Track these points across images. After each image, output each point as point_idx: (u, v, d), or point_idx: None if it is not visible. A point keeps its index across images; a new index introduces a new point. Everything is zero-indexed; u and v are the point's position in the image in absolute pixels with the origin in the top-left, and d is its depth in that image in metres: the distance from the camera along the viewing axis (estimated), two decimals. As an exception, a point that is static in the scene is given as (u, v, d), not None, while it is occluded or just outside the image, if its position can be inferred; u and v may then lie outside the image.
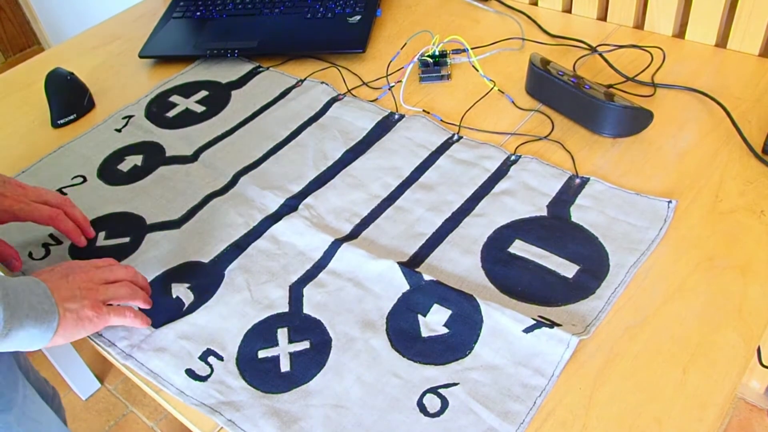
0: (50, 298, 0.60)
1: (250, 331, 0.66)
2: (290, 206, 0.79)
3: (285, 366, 0.63)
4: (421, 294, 0.67)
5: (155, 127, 0.95)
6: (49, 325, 0.59)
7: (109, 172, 0.89)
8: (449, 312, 0.65)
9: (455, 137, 0.85)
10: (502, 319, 0.63)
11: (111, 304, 0.65)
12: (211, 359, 0.64)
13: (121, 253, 0.77)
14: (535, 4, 1.09)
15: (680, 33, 0.98)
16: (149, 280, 0.72)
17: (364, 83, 0.98)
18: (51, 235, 0.80)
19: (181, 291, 0.71)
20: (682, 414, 0.55)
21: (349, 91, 0.96)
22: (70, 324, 0.61)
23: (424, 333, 0.64)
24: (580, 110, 0.83)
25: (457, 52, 0.99)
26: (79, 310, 0.62)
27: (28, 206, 0.74)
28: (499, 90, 0.92)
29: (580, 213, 0.73)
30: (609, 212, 0.73)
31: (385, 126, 0.89)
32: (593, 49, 0.96)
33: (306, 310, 0.67)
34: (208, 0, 1.17)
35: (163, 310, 0.69)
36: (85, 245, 0.77)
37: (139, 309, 0.68)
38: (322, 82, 0.98)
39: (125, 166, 0.89)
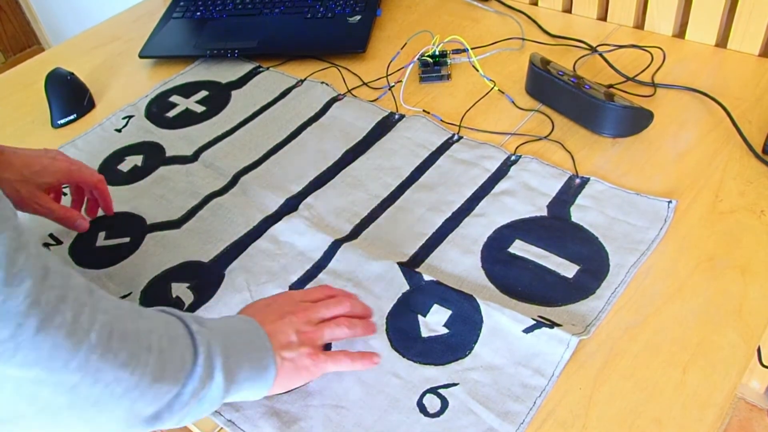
0: (269, 349, 0.55)
1: (250, 331, 0.66)
2: (290, 206, 0.79)
3: (285, 366, 0.63)
4: (421, 294, 0.67)
5: (155, 127, 0.95)
6: (267, 381, 0.55)
7: (110, 172, 0.89)
8: (449, 312, 0.65)
9: (455, 137, 0.85)
10: (502, 320, 0.63)
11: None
12: (211, 359, 0.64)
13: (121, 254, 0.77)
14: (535, 4, 1.09)
15: (680, 33, 0.98)
16: (149, 280, 0.72)
17: (364, 83, 0.98)
18: (51, 235, 0.80)
19: (181, 291, 0.71)
20: (682, 414, 0.55)
21: (349, 91, 0.96)
22: (286, 374, 0.56)
23: (424, 333, 0.64)
24: (580, 110, 0.83)
25: (457, 52, 0.99)
26: (297, 359, 0.56)
27: (79, 168, 0.76)
28: (499, 90, 0.92)
29: (580, 213, 0.73)
30: (609, 212, 0.73)
31: (385, 126, 0.89)
32: (593, 49, 0.96)
33: (306, 310, 0.67)
34: (208, 0, 1.17)
35: (163, 310, 0.69)
36: (87, 229, 0.77)
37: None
38: (322, 82, 0.98)
39: (125, 166, 0.89)
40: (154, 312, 0.50)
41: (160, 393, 0.45)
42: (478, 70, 0.95)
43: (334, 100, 0.95)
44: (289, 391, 0.60)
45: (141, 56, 1.09)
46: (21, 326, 0.35)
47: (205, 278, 0.72)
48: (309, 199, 0.79)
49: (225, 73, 1.04)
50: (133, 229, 0.80)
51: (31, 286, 0.36)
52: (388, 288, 0.68)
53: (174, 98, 1.01)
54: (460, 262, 0.70)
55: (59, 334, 0.37)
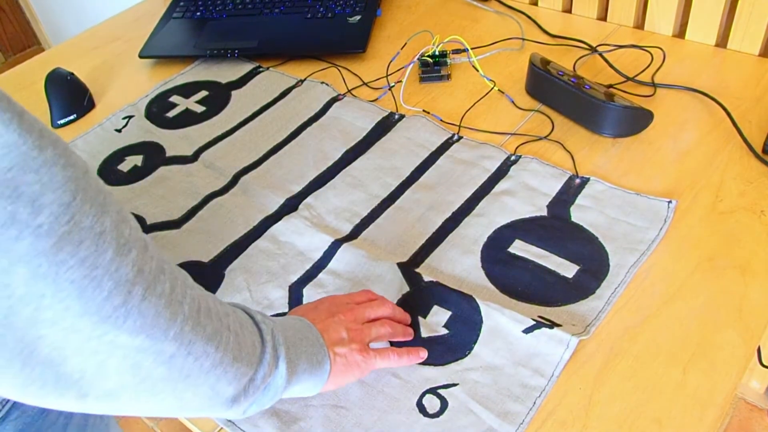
0: (322, 345, 0.56)
1: (249, 331, 0.66)
2: (290, 206, 0.79)
3: (285, 366, 0.63)
4: (420, 295, 0.67)
5: (155, 127, 0.95)
6: (323, 375, 0.56)
7: (110, 172, 0.89)
8: (449, 313, 0.65)
9: (455, 137, 0.85)
10: (502, 320, 0.63)
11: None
12: (211, 359, 0.64)
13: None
14: (535, 4, 1.09)
15: (680, 33, 0.97)
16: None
17: (364, 83, 0.98)
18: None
19: (181, 291, 0.71)
20: (682, 414, 0.55)
21: (349, 91, 0.96)
22: (340, 370, 0.57)
23: (424, 334, 0.64)
24: (580, 110, 0.83)
25: (457, 52, 0.99)
26: (348, 354, 0.58)
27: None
28: (499, 90, 0.92)
29: (580, 213, 0.73)
30: (609, 212, 0.73)
31: (385, 126, 0.89)
32: (593, 49, 0.96)
33: (306, 311, 0.67)
34: (208, 0, 1.17)
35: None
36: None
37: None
38: (322, 82, 0.98)
39: (125, 166, 0.89)
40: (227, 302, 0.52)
41: (238, 373, 0.46)
42: (478, 70, 0.95)
43: (334, 100, 0.95)
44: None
45: (141, 56, 1.09)
46: (130, 293, 0.37)
47: (205, 278, 0.72)
48: (309, 199, 0.79)
49: (225, 73, 1.04)
50: (133, 229, 0.80)
51: (136, 255, 0.38)
52: (387, 289, 0.68)
53: (174, 98, 1.01)
54: (460, 262, 0.70)
55: (160, 303, 0.39)
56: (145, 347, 0.38)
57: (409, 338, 0.63)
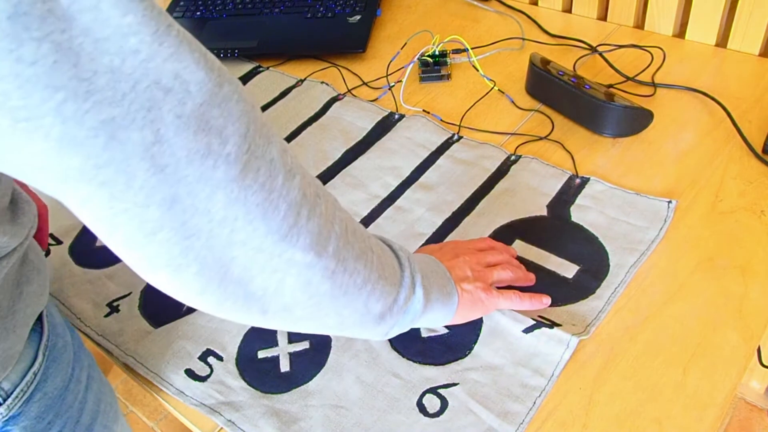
0: (450, 279, 0.59)
1: (249, 331, 0.66)
2: (290, 206, 0.79)
3: (285, 366, 0.63)
4: (420, 294, 0.66)
5: (155, 127, 0.95)
6: (452, 307, 0.58)
7: (109, 172, 0.89)
8: (449, 312, 0.65)
9: (455, 137, 0.85)
10: (502, 320, 0.63)
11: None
12: (211, 359, 0.64)
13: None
14: (535, 4, 1.09)
15: (680, 33, 0.98)
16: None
17: (364, 83, 0.98)
18: (51, 235, 0.80)
19: (181, 291, 0.71)
20: (682, 414, 0.55)
21: (349, 91, 0.96)
22: (467, 305, 0.60)
23: (424, 333, 0.64)
24: (580, 110, 0.83)
25: (457, 52, 0.99)
26: (473, 291, 0.60)
27: None
28: (499, 90, 0.92)
29: (580, 213, 0.73)
30: (609, 212, 0.73)
31: (385, 126, 0.89)
32: (593, 49, 0.96)
33: (306, 310, 0.67)
34: (208, 0, 1.17)
35: (164, 312, 0.69)
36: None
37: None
38: (322, 82, 0.98)
39: (125, 166, 0.89)
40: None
41: (385, 291, 0.49)
42: (478, 70, 0.95)
43: (334, 99, 0.95)
44: (288, 391, 0.61)
45: (141, 56, 1.09)
46: (299, 214, 0.41)
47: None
48: (309, 199, 0.79)
49: (225, 73, 1.04)
50: (133, 229, 0.79)
51: (300, 180, 0.41)
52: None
53: (174, 98, 1.00)
54: (460, 262, 0.70)
55: (321, 222, 0.43)
56: (313, 264, 0.42)
57: (531, 283, 0.66)
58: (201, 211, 0.36)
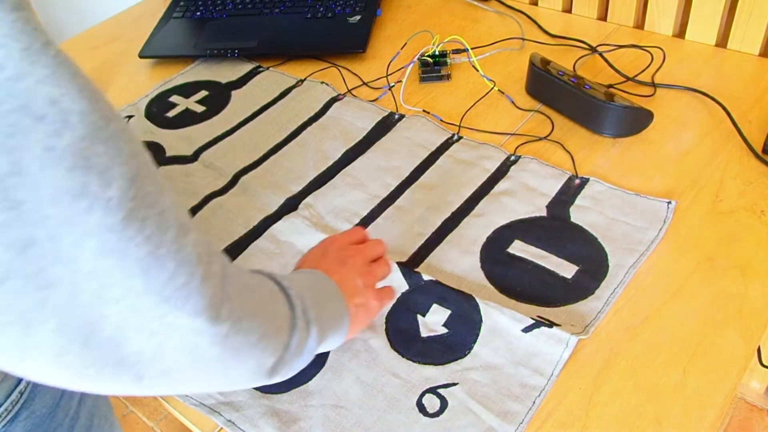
0: (342, 300, 0.56)
1: (249, 331, 0.66)
2: (290, 206, 0.79)
3: (284, 366, 0.63)
4: (420, 294, 0.67)
5: (155, 127, 0.95)
6: (344, 330, 0.56)
7: (109, 172, 0.89)
8: (448, 312, 0.65)
9: (455, 137, 0.85)
10: (501, 319, 0.63)
11: None
12: (211, 359, 0.64)
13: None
14: (535, 4, 1.09)
15: (680, 33, 0.97)
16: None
17: (364, 83, 0.98)
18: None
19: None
20: (682, 414, 0.55)
21: (349, 91, 0.96)
22: (360, 320, 0.58)
23: (424, 333, 0.64)
24: (580, 110, 0.83)
25: (457, 52, 0.99)
26: (366, 303, 0.58)
27: None
28: (499, 90, 0.92)
29: (580, 213, 0.73)
30: (608, 213, 0.72)
31: (385, 126, 0.89)
32: (593, 49, 0.96)
33: (305, 310, 0.67)
34: (208, 0, 1.17)
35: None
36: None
37: None
38: (322, 82, 0.98)
39: (125, 166, 0.89)
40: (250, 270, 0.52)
41: (277, 343, 0.46)
42: (478, 70, 0.95)
43: (334, 100, 0.95)
44: (288, 391, 0.61)
45: (141, 56, 1.09)
46: (192, 275, 0.36)
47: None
48: (309, 199, 0.79)
49: (225, 73, 1.04)
50: (133, 229, 0.79)
51: (195, 237, 0.37)
52: (387, 288, 0.68)
53: (174, 98, 1.01)
54: (459, 262, 0.70)
55: (216, 284, 0.38)
56: (203, 330, 0.38)
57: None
58: (64, 259, 0.32)
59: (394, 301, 0.65)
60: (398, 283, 0.68)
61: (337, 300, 0.55)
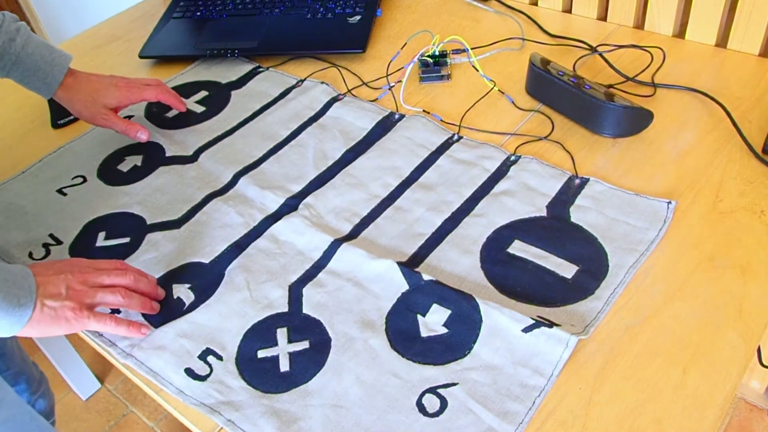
0: (32, 292, 0.61)
1: (249, 330, 0.66)
2: (290, 206, 0.79)
3: (284, 366, 0.63)
4: (420, 294, 0.67)
5: (155, 127, 0.95)
6: (20, 318, 0.60)
7: (109, 172, 0.89)
8: (448, 312, 0.65)
9: (455, 137, 0.85)
10: (501, 319, 0.63)
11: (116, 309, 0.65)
12: (211, 359, 0.64)
13: (121, 254, 0.77)
14: (535, 4, 1.09)
15: (680, 33, 0.98)
16: (148, 280, 0.72)
17: (364, 83, 0.98)
18: (51, 235, 0.80)
19: (182, 291, 0.71)
20: (682, 414, 0.55)
21: (349, 91, 0.96)
22: (46, 320, 0.62)
23: (424, 333, 0.64)
24: (580, 110, 0.83)
25: (457, 52, 0.99)
26: (59, 309, 0.62)
27: (139, 91, 0.90)
28: (499, 90, 0.92)
29: (580, 213, 0.73)
30: (608, 213, 0.73)
31: (385, 126, 0.89)
32: (593, 49, 0.96)
33: (305, 310, 0.67)
34: (208, 0, 1.17)
35: (164, 311, 0.69)
36: (147, 140, 0.86)
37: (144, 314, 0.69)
38: (322, 82, 0.98)
39: (125, 166, 0.89)
40: None
41: None
42: (478, 70, 0.95)
43: (334, 100, 0.95)
44: (288, 390, 0.61)
45: (141, 56, 1.09)
46: None
47: (206, 278, 0.72)
48: (309, 199, 0.79)
49: (225, 73, 1.04)
50: (133, 229, 0.80)
51: None
52: (387, 288, 0.68)
53: (174, 98, 1.00)
54: (459, 262, 0.70)
55: None
56: None
57: (148, 311, 0.68)
58: None
59: (112, 330, 0.66)
60: (398, 283, 0.68)
61: (24, 289, 0.60)
